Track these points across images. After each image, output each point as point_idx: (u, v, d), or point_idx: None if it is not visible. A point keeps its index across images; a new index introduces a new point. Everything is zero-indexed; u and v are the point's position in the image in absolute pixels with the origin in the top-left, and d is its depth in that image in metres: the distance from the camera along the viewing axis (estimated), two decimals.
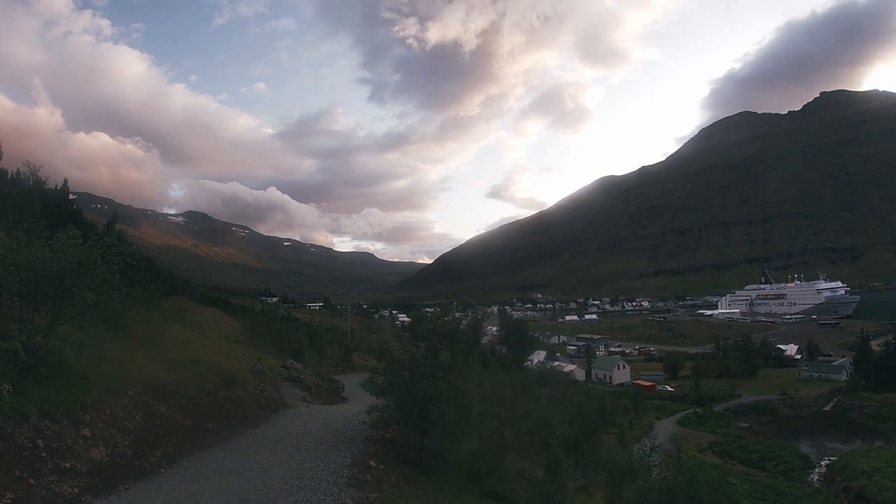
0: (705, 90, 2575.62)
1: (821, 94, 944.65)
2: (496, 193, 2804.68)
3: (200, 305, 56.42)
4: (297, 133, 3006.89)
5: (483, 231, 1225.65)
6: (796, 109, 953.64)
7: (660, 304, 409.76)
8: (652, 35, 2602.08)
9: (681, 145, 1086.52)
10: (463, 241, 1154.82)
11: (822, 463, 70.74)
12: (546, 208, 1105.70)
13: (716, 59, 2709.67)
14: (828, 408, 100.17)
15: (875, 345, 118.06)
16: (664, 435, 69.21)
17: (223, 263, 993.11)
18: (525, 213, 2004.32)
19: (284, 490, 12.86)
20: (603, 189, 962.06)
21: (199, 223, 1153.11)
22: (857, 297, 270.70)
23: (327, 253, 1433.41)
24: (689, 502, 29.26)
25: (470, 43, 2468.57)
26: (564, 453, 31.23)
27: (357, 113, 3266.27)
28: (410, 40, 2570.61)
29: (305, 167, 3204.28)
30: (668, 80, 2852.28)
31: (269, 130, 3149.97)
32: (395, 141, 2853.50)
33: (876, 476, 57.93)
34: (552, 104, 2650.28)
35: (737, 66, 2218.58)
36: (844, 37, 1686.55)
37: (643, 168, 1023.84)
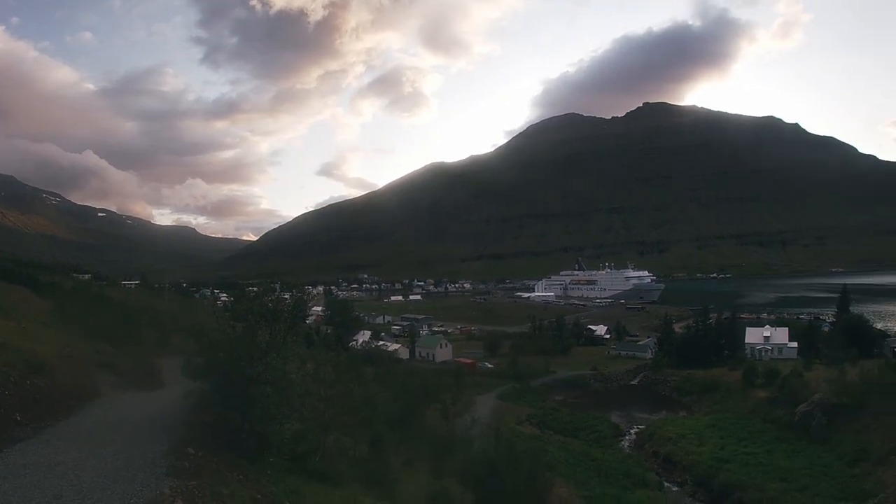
0: (538, 89, 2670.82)
1: (644, 104, 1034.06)
2: (327, 171, 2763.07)
3: (4, 283, 51.26)
4: (122, 91, 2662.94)
5: (312, 209, 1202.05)
6: (620, 116, 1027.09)
7: (481, 286, 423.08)
8: (495, 30, 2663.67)
9: (510, 139, 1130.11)
10: (290, 219, 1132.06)
11: (632, 431, 76.38)
12: (376, 189, 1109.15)
13: (552, 60, 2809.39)
14: (635, 382, 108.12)
15: (677, 327, 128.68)
16: (485, 409, 71.66)
17: (31, 234, 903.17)
18: (355, 193, 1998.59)
19: (99, 483, 11.75)
20: (433, 174, 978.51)
21: (5, 188, 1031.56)
22: (662, 285, 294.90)
23: (145, 226, 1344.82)
24: (508, 470, 30.27)
25: (316, 13, 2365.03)
26: (388, 430, 31.32)
27: (188, 74, 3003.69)
28: (254, 2, 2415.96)
29: (127, 130, 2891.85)
30: (505, 76, 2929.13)
31: (91, 86, 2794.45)
32: (226, 108, 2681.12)
33: (681, 442, 64.08)
34: (391, 86, 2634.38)
35: (571, 69, 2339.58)
36: (674, 55, 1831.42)
37: (473, 157, 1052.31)
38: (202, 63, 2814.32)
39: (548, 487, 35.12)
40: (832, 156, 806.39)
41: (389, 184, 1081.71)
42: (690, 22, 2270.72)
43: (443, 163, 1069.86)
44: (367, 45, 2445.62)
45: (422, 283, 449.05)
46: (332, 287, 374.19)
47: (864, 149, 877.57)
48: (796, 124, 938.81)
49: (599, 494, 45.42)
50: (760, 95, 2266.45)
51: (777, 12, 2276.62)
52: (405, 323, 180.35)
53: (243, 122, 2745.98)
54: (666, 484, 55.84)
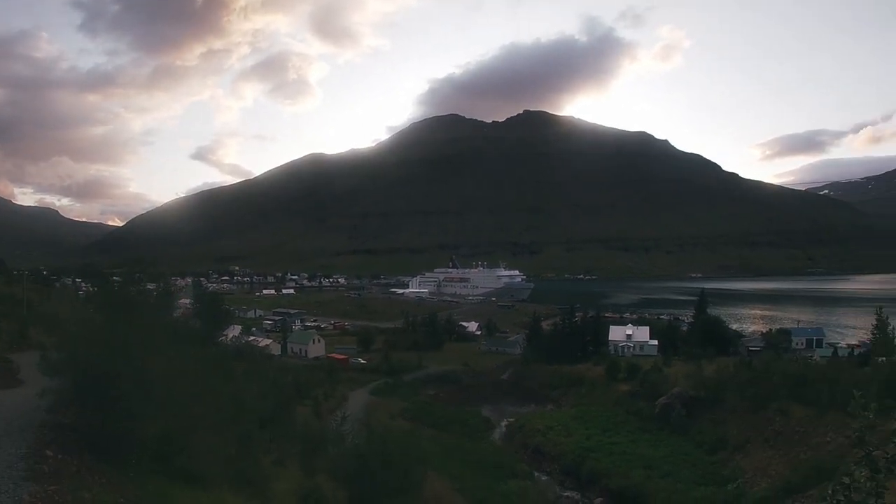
0: (424, 87, 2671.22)
1: (525, 111, 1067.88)
2: (202, 156, 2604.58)
3: None
4: None
5: (183, 195, 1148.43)
6: (500, 121, 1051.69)
7: (356, 281, 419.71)
8: (387, 24, 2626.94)
9: (392, 134, 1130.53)
10: (160, 204, 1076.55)
11: (503, 424, 78.08)
12: (252, 178, 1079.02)
13: (440, 60, 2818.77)
14: (505, 377, 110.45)
15: (545, 325, 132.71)
16: (358, 405, 71.13)
17: None
18: (230, 180, 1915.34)
19: None
20: (312, 165, 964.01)
21: None
22: (532, 285, 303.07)
23: (7, 205, 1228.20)
24: (380, 465, 30.00)
25: None
26: (258, 428, 30.32)
27: (63, 41, 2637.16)
28: None
29: None
30: (392, 71, 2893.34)
31: None
32: (101, 80, 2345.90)
33: (549, 434, 66.27)
34: (276, 71, 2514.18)
35: (458, 71, 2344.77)
36: (558, 67, 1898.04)
37: (353, 150, 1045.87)
38: (80, 30, 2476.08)
39: (421, 481, 35.10)
40: (697, 172, 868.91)
41: (266, 172, 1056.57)
42: (577, 37, 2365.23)
43: (322, 154, 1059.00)
44: (255, 25, 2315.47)
45: (295, 277, 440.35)
46: (202, 279, 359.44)
47: (727, 167, 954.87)
48: (666, 141, 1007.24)
49: (472, 486, 46.00)
50: (635, 112, 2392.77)
51: (660, 35, 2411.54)
52: (277, 318, 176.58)
53: (117, 97, 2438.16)
54: (536, 474, 57.54)
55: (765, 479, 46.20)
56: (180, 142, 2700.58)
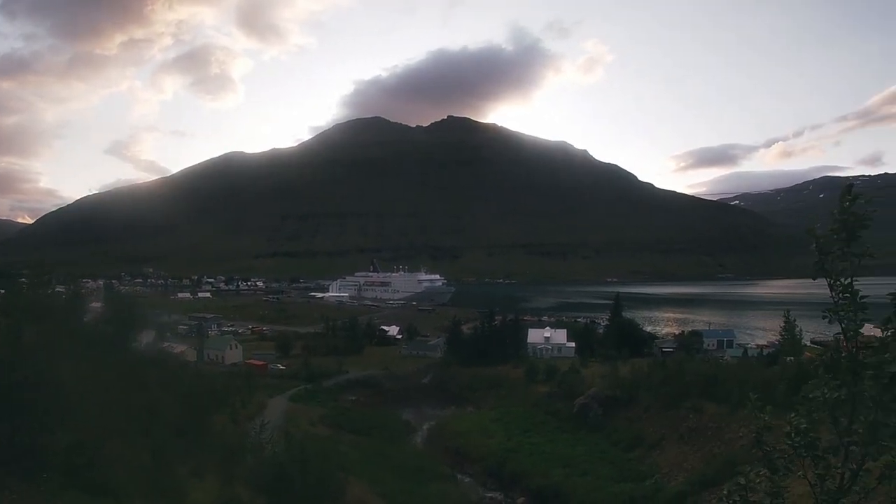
0: (349, 88, 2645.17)
1: (449, 116, 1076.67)
2: (117, 151, 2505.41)
3: None
4: None
5: (97, 192, 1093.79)
6: (424, 125, 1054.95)
7: (274, 285, 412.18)
8: (315, 23, 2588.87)
9: (315, 135, 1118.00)
10: (72, 201, 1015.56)
11: (424, 428, 78.27)
12: (169, 175, 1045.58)
13: (367, 62, 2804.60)
14: (426, 380, 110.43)
15: (466, 328, 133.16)
16: (277, 412, 69.77)
17: None
18: (146, 177, 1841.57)
19: None
20: (230, 165, 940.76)
21: None
22: (453, 288, 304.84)
23: None
24: (299, 472, 29.54)
25: None
26: (173, 438, 29.41)
27: None
28: None
29: None
30: (318, 71, 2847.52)
31: None
32: (16, 66, 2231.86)
33: (471, 435, 67.16)
34: (198, 65, 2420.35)
35: (384, 74, 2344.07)
36: (483, 75, 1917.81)
37: (274, 150, 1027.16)
38: None
39: (342, 487, 34.79)
40: (614, 181, 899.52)
41: (184, 170, 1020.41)
42: (504, 46, 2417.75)
43: (243, 153, 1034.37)
44: (179, 16, 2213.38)
45: (212, 280, 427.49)
46: (115, 281, 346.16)
47: (643, 177, 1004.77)
48: (585, 150, 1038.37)
49: (394, 490, 45.85)
50: (556, 121, 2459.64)
51: (585, 49, 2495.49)
52: (193, 322, 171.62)
53: (32, 85, 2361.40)
54: (458, 476, 57.86)
55: (681, 473, 47.70)
56: (95, 135, 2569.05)
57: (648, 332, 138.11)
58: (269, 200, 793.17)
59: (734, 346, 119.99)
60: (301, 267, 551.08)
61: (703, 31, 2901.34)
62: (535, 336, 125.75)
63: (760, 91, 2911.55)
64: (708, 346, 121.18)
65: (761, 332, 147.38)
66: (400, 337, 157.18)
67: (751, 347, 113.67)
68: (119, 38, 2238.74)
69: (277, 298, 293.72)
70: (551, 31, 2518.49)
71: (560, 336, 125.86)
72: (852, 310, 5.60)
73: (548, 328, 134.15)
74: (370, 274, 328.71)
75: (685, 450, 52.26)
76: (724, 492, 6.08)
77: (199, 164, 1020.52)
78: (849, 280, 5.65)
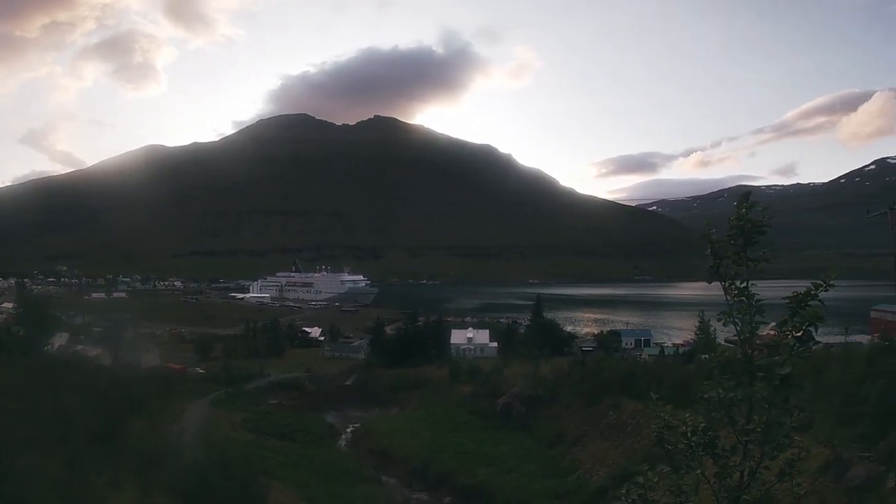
0: (276, 83, 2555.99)
1: (375, 116, 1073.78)
2: (32, 140, 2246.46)
3: None
4: None
5: (8, 184, 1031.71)
6: (351, 124, 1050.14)
7: (193, 285, 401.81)
8: (244, 14, 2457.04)
9: (238, 130, 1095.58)
10: None
11: (348, 430, 77.53)
12: (85, 167, 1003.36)
13: (295, 57, 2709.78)
14: (349, 382, 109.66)
15: (389, 329, 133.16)
16: (197, 417, 67.87)
17: None
18: (60, 168, 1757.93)
19: None
20: (150, 158, 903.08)
21: None
22: (376, 289, 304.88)
23: None
24: (221, 479, 28.99)
25: None
26: (89, 446, 28.43)
27: None
28: None
29: None
30: (244, 64, 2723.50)
31: None
32: None
33: (395, 437, 66.84)
34: (121, 52, 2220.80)
35: (312, 70, 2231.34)
36: (413, 75, 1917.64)
37: (196, 144, 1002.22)
38: None
39: (265, 492, 34.37)
40: (537, 185, 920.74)
41: (101, 162, 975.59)
42: (435, 48, 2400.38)
43: (163, 146, 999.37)
44: None
45: (128, 280, 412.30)
46: (26, 280, 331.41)
47: (565, 182, 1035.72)
48: (510, 154, 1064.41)
49: (319, 494, 45.46)
50: (483, 125, 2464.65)
51: (514, 55, 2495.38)
52: (109, 324, 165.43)
53: None
54: (384, 478, 57.62)
55: (602, 468, 48.77)
56: (9, 122, 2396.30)
57: (569, 332, 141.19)
58: (188, 197, 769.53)
59: (651, 344, 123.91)
60: (221, 266, 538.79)
61: (629, 42, 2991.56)
62: (458, 337, 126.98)
63: (682, 102, 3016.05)
64: (626, 345, 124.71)
65: (677, 332, 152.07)
66: (322, 338, 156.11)
67: (667, 346, 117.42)
68: (41, 20, 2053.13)
69: (196, 299, 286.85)
70: (482, 35, 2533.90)
71: (483, 336, 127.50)
72: (747, 313, 5.79)
73: (471, 329, 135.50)
74: (292, 274, 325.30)
75: (606, 445, 53.46)
76: (623, 490, 6.18)
77: (116, 156, 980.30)
78: (744, 283, 5.86)
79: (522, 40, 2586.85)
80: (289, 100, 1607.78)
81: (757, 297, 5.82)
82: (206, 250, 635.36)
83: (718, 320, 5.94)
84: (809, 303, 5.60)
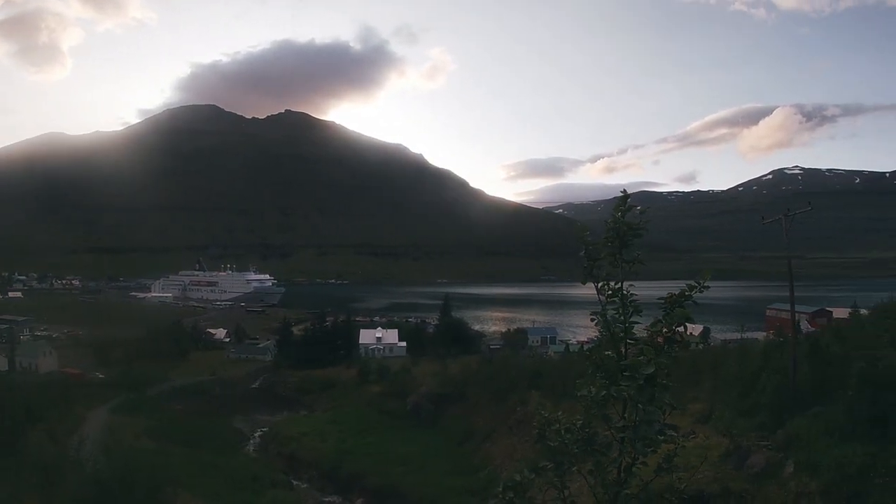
0: (186, 71, 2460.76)
1: (286, 110, 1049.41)
2: None
3: None
4: None
5: None
6: (260, 118, 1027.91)
7: (92, 283, 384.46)
8: None
9: (143, 119, 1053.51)
10: None
11: (256, 435, 76.90)
12: None
13: (208, 45, 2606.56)
14: (256, 385, 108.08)
15: (296, 329, 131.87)
16: (98, 425, 65.77)
17: None
18: None
19: None
20: (49, 146, 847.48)
21: None
22: (283, 289, 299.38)
23: None
24: (125, 489, 28.50)
25: None
26: None
27: None
28: None
29: None
30: (154, 49, 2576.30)
31: None
32: None
33: (304, 440, 66.68)
34: (26, 31, 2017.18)
35: (225, 59, 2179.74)
36: (327, 71, 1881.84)
37: (98, 133, 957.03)
38: None
39: (172, 502, 33.96)
40: (447, 186, 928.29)
41: None
42: (352, 44, 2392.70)
43: (63, 134, 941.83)
44: None
45: (23, 278, 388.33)
46: None
47: (475, 184, 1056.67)
48: (421, 155, 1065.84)
49: (229, 502, 45.03)
50: (395, 124, 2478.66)
51: (429, 56, 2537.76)
52: (3, 326, 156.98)
53: None
54: (295, 482, 57.54)
55: (512, 463, 50.09)
56: None
57: (477, 331, 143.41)
58: (88, 189, 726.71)
59: (557, 342, 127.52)
60: (121, 264, 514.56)
61: (543, 50, 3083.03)
62: (366, 336, 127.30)
63: (590, 110, 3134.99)
64: (532, 342, 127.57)
65: (582, 329, 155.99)
66: (228, 340, 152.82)
67: (572, 343, 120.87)
68: None
69: (95, 299, 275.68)
70: (400, 35, 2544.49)
71: (391, 336, 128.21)
72: (621, 313, 5.97)
73: (379, 328, 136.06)
74: (196, 273, 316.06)
75: (514, 440, 54.85)
76: (500, 488, 6.22)
77: (13, 144, 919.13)
78: (619, 284, 6.04)
79: (439, 42, 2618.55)
80: (198, 89, 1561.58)
81: (633, 298, 6.03)
82: (106, 246, 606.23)
83: (592, 320, 6.08)
84: (684, 303, 5.83)
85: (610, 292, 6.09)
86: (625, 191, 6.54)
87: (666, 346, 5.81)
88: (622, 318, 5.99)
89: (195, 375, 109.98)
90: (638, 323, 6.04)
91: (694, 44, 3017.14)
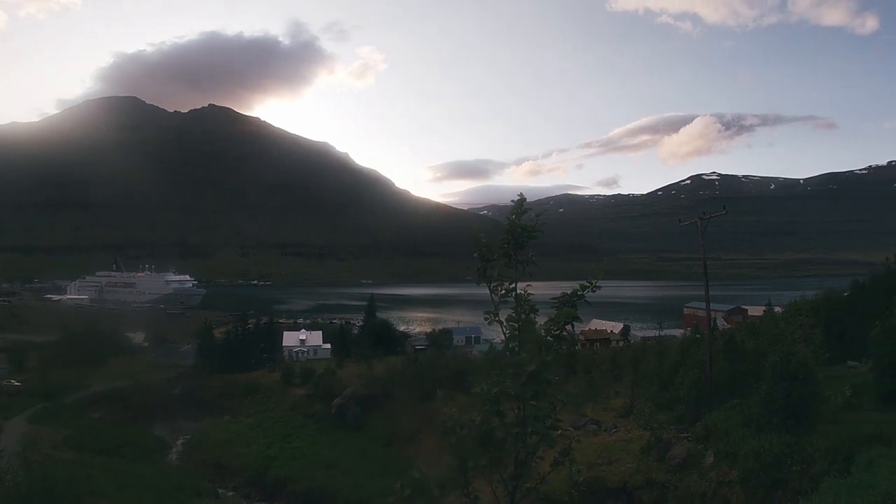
0: (108, 61, 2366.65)
1: (210, 105, 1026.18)
2: None
3: None
4: None
5: None
6: (183, 111, 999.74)
7: (4, 285, 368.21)
8: None
9: (62, 110, 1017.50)
10: None
11: (179, 442, 75.86)
12: None
13: (133, 33, 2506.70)
14: (177, 391, 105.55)
15: (218, 332, 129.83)
16: (14, 436, 63.90)
17: None
18: None
19: None
20: None
21: None
22: (204, 290, 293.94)
23: None
24: (45, 502, 28.37)
25: None
26: None
27: None
28: None
29: None
30: (77, 36, 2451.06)
31: None
32: None
33: (228, 446, 66.25)
34: None
35: (150, 49, 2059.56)
36: (255, 66, 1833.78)
37: (13, 124, 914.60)
38: None
39: None
40: (372, 185, 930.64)
41: None
42: (281, 39, 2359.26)
43: None
44: None
45: None
46: None
47: (400, 184, 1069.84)
48: (347, 153, 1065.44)
49: None
50: (322, 122, 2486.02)
51: (360, 54, 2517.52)
52: None
53: None
54: (220, 490, 57.14)
55: (439, 463, 51.40)
56: None
57: (402, 332, 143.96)
58: (1, 184, 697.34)
59: (481, 341, 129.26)
60: (36, 264, 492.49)
61: (471, 53, 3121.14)
62: (290, 339, 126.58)
63: (517, 113, 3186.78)
64: (457, 342, 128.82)
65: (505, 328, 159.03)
66: (147, 344, 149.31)
67: (495, 342, 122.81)
68: None
69: (8, 301, 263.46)
70: (331, 31, 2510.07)
71: (316, 338, 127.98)
72: (518, 312, 6.33)
73: (303, 330, 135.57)
74: (113, 273, 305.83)
75: (440, 440, 56.15)
76: (398, 485, 6.23)
77: None
78: (513, 285, 6.43)
79: (370, 40, 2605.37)
80: (120, 80, 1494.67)
81: (530, 296, 6.42)
82: (19, 245, 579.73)
83: (485, 319, 6.45)
84: (575, 302, 6.28)
85: (503, 292, 6.49)
86: (521, 194, 7.19)
87: (554, 344, 6.22)
88: (519, 316, 6.36)
89: (114, 381, 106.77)
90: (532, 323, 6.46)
91: (620, 53, 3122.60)
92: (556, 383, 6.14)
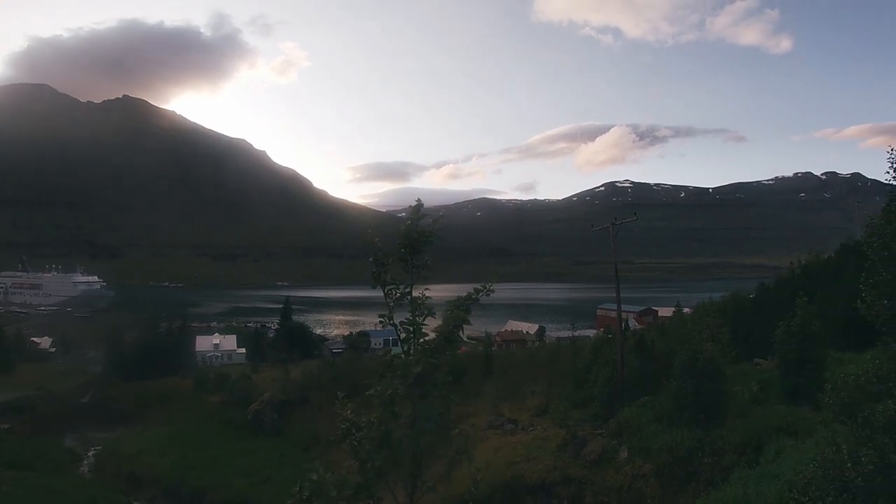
0: (22, 45, 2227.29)
1: (124, 95, 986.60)
2: None
3: None
4: None
5: None
6: (96, 102, 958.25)
7: None
8: None
9: None
10: None
11: (90, 453, 73.10)
12: None
13: (51, 17, 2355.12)
14: (86, 399, 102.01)
15: (128, 337, 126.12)
16: None
17: None
18: None
19: None
20: None
21: None
22: (113, 292, 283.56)
23: None
24: None
25: None
26: None
27: None
28: None
29: None
30: None
31: None
32: None
33: (143, 456, 64.85)
34: None
35: (66, 34, 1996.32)
36: (173, 56, 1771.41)
37: None
38: None
39: None
40: (290, 185, 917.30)
41: None
42: (203, 30, 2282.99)
43: None
44: None
45: None
46: None
47: (319, 184, 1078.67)
48: (264, 151, 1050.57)
49: None
50: (240, 118, 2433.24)
51: (283, 50, 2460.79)
52: None
53: None
54: (135, 502, 56.04)
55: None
56: None
57: (319, 335, 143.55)
58: None
59: (399, 344, 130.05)
60: None
61: (395, 55, 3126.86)
62: (203, 343, 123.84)
63: (438, 117, 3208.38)
64: (375, 345, 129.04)
65: (425, 330, 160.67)
66: (54, 350, 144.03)
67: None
68: None
69: None
70: (254, 25, 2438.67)
71: (230, 342, 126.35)
72: (414, 315, 6.60)
73: (217, 334, 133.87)
74: (18, 274, 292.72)
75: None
76: (297, 487, 6.43)
77: None
78: (408, 288, 6.72)
79: (293, 36, 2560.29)
80: (33, 66, 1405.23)
81: (428, 299, 6.69)
82: None
83: (379, 322, 7.27)
84: (467, 306, 6.58)
85: (398, 295, 6.79)
86: (419, 199, 7.52)
87: (443, 346, 6.50)
88: (414, 320, 6.68)
89: (20, 390, 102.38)
90: (426, 325, 6.81)
91: (542, 62, 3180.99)
92: (449, 384, 6.47)
